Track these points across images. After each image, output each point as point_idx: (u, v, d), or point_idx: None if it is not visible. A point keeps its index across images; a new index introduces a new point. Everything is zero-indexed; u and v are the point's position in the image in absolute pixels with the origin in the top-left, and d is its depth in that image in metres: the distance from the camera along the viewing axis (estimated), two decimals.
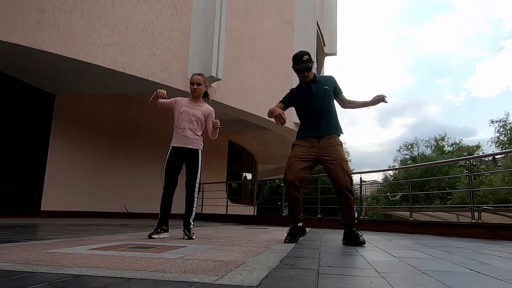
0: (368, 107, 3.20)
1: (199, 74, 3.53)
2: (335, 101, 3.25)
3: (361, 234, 3.02)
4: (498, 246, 3.26)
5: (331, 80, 3.23)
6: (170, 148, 3.39)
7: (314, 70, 3.26)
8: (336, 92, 3.22)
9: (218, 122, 3.40)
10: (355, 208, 3.09)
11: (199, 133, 3.46)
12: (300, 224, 3.18)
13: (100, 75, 6.60)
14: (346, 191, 2.95)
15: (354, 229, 3.01)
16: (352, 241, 2.97)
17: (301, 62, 3.06)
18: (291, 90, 3.34)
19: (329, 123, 3.10)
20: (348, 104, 3.28)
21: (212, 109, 3.56)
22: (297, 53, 3.14)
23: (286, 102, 3.26)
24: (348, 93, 3.30)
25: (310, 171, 3.15)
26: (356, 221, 3.06)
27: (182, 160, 3.39)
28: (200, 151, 3.42)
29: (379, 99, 3.07)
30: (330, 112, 3.12)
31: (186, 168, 3.40)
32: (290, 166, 3.05)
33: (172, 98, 3.47)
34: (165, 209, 3.35)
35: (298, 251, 2.47)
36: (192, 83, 3.44)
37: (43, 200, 7.64)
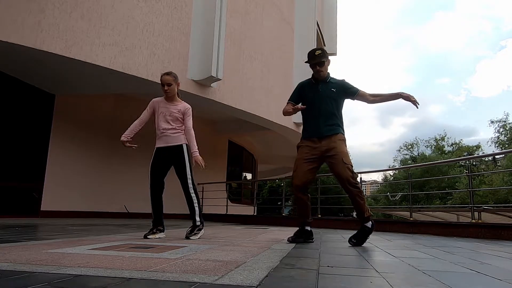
0: (398, 99, 3.07)
1: (168, 74, 3.40)
2: (360, 101, 3.21)
3: (368, 234, 3.01)
4: (498, 246, 3.26)
5: (341, 84, 3.18)
6: (155, 149, 3.38)
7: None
8: (350, 93, 3.17)
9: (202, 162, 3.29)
10: (364, 202, 3.04)
11: (180, 128, 3.38)
12: (308, 228, 3.17)
13: (100, 75, 6.60)
14: (348, 184, 2.92)
15: (365, 223, 2.98)
16: (362, 238, 2.97)
17: (313, 56, 3.10)
18: (299, 84, 3.32)
19: (331, 123, 3.07)
20: (373, 98, 3.17)
21: (189, 106, 3.47)
22: (311, 49, 3.22)
23: (295, 100, 3.26)
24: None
25: (317, 171, 3.15)
26: (368, 214, 2.99)
27: (168, 160, 3.35)
28: (184, 146, 3.34)
29: (409, 97, 2.98)
30: (332, 115, 3.09)
31: (175, 167, 3.36)
32: (296, 168, 3.05)
33: (149, 105, 3.43)
34: (156, 210, 3.34)
35: (298, 251, 2.47)
36: (162, 85, 3.36)
37: (43, 200, 7.64)
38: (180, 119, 3.39)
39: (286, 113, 3.21)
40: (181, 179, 3.34)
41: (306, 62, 3.14)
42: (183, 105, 3.46)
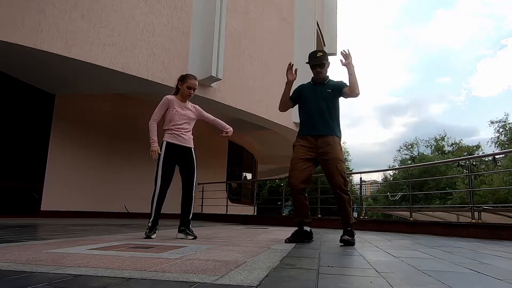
0: (350, 73, 3.05)
1: (196, 78, 3.46)
2: (350, 97, 3.15)
3: (354, 234, 3.03)
4: (498, 246, 3.26)
5: (337, 84, 3.17)
6: (165, 143, 3.26)
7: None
8: (340, 89, 3.13)
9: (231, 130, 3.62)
10: (354, 208, 3.12)
11: (191, 130, 3.46)
12: (308, 228, 3.14)
13: (100, 75, 6.60)
14: (339, 190, 2.97)
15: (350, 228, 3.03)
16: (346, 239, 2.99)
17: (314, 57, 3.17)
18: (299, 85, 3.36)
19: (326, 123, 3.10)
20: (349, 90, 3.10)
21: (197, 105, 3.55)
22: (313, 51, 3.30)
23: (293, 98, 3.33)
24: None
25: (314, 170, 3.18)
26: (353, 220, 3.07)
27: (177, 158, 3.32)
28: (193, 149, 3.40)
29: (343, 59, 3.04)
30: (327, 115, 3.10)
31: (183, 167, 3.35)
32: (292, 168, 3.09)
33: (165, 100, 3.33)
34: (160, 209, 3.30)
35: (298, 251, 2.47)
36: (189, 88, 3.34)
37: (43, 200, 7.64)
38: (193, 120, 3.45)
39: (282, 102, 3.31)
40: (188, 180, 3.34)
41: (306, 63, 3.21)
42: (193, 105, 3.51)
